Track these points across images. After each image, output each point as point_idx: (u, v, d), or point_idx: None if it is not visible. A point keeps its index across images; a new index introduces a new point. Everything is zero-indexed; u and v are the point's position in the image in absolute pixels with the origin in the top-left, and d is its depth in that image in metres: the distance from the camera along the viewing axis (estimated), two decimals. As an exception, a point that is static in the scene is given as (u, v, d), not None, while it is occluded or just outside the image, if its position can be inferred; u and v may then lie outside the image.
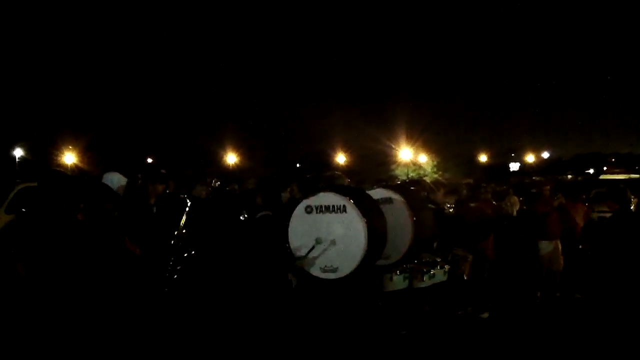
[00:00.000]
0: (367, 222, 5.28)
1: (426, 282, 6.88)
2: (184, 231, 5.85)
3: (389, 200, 6.31)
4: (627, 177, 34.95)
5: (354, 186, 7.19)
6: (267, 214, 6.21)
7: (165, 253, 5.75)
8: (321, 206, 5.43)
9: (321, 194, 5.49)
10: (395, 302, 6.71)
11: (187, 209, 5.84)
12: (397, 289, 6.60)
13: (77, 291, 4.41)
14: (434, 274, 6.94)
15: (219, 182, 11.73)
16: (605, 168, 53.95)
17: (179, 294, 5.84)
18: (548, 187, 10.07)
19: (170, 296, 5.77)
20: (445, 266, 7.17)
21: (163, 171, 6.60)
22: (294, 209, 5.61)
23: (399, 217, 6.20)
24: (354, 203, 5.32)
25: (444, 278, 7.15)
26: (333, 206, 5.39)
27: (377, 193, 6.38)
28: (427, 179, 14.95)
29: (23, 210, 10.88)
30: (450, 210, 8.60)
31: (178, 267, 5.79)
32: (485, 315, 8.17)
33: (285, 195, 7.01)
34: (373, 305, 6.47)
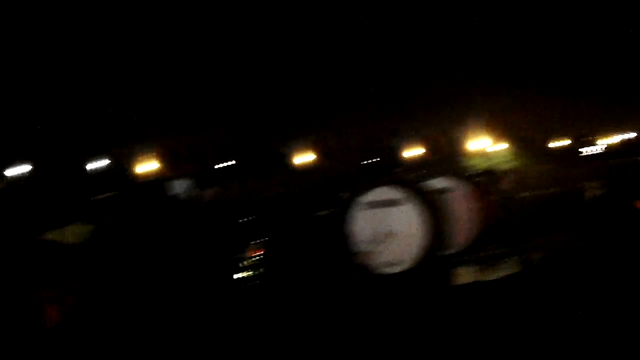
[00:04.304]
0: (425, 214, 5.23)
1: (497, 273, 6.70)
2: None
3: (450, 191, 6.24)
4: None
5: (414, 178, 7.10)
6: (326, 212, 6.23)
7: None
8: (378, 201, 5.41)
9: (378, 189, 5.48)
10: (465, 295, 6.57)
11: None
12: (465, 281, 6.45)
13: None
14: (504, 265, 6.75)
15: None
16: None
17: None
18: None
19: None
20: (517, 256, 6.95)
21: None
22: (353, 206, 5.61)
23: (462, 207, 6.14)
24: (410, 196, 5.28)
25: (517, 269, 6.93)
26: (390, 200, 5.36)
27: (438, 183, 6.33)
28: (499, 169, 14.51)
29: (105, 219, 11.38)
30: (524, 198, 8.33)
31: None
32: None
33: (345, 194, 6.98)
34: (441, 298, 6.35)
